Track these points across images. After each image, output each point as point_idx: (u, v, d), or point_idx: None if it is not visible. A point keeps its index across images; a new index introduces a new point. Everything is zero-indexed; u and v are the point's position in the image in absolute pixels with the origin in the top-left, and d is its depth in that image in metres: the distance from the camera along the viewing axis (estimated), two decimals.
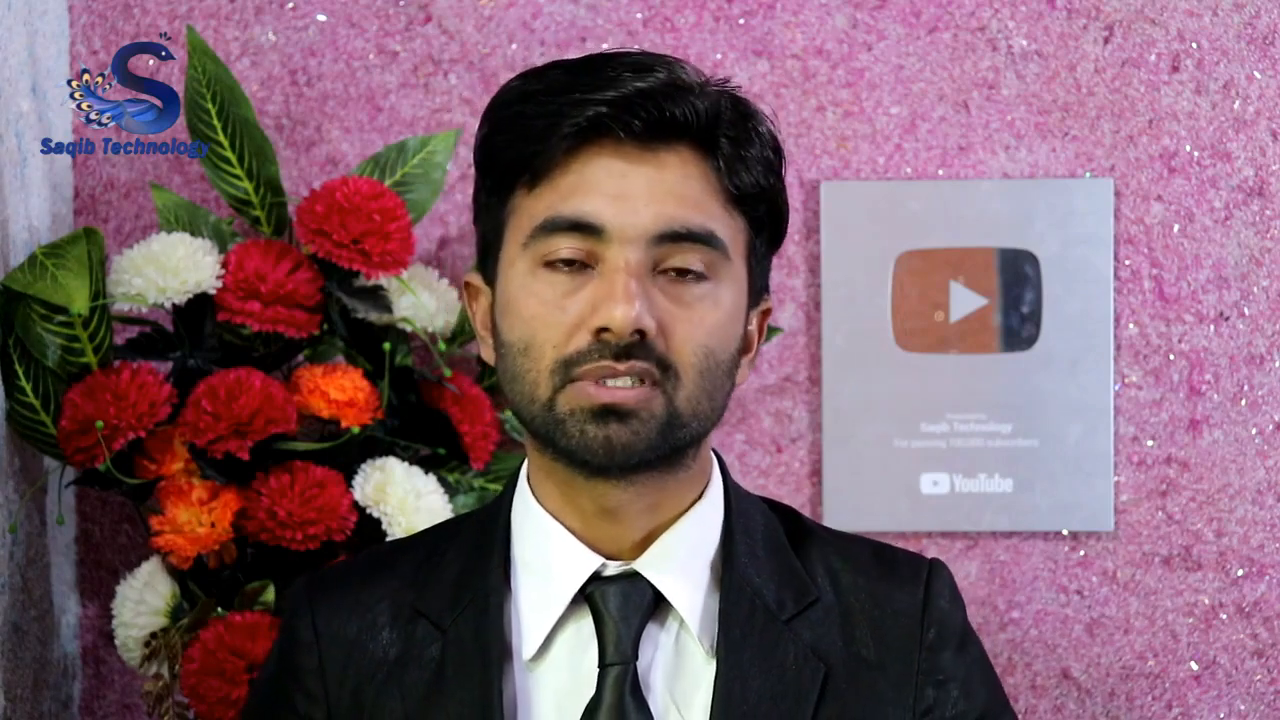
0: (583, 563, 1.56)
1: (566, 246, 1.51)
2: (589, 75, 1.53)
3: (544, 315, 1.51)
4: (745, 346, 1.60)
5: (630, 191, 1.51)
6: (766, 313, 1.63)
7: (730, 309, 1.55)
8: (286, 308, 2.02)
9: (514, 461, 2.16)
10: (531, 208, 1.53)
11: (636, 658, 1.55)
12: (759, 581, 1.58)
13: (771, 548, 1.61)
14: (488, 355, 1.60)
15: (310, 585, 1.65)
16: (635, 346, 1.49)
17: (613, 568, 1.57)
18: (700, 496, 1.60)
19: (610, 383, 1.50)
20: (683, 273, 1.52)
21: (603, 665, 1.55)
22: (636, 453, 1.51)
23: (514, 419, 2.16)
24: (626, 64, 1.53)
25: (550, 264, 1.52)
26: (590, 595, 1.56)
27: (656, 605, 1.56)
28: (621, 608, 1.55)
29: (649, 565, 1.56)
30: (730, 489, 1.63)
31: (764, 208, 1.57)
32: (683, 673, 1.56)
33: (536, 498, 1.59)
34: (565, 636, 1.57)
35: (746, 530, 1.61)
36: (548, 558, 1.58)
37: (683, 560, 1.57)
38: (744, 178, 1.54)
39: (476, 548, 1.61)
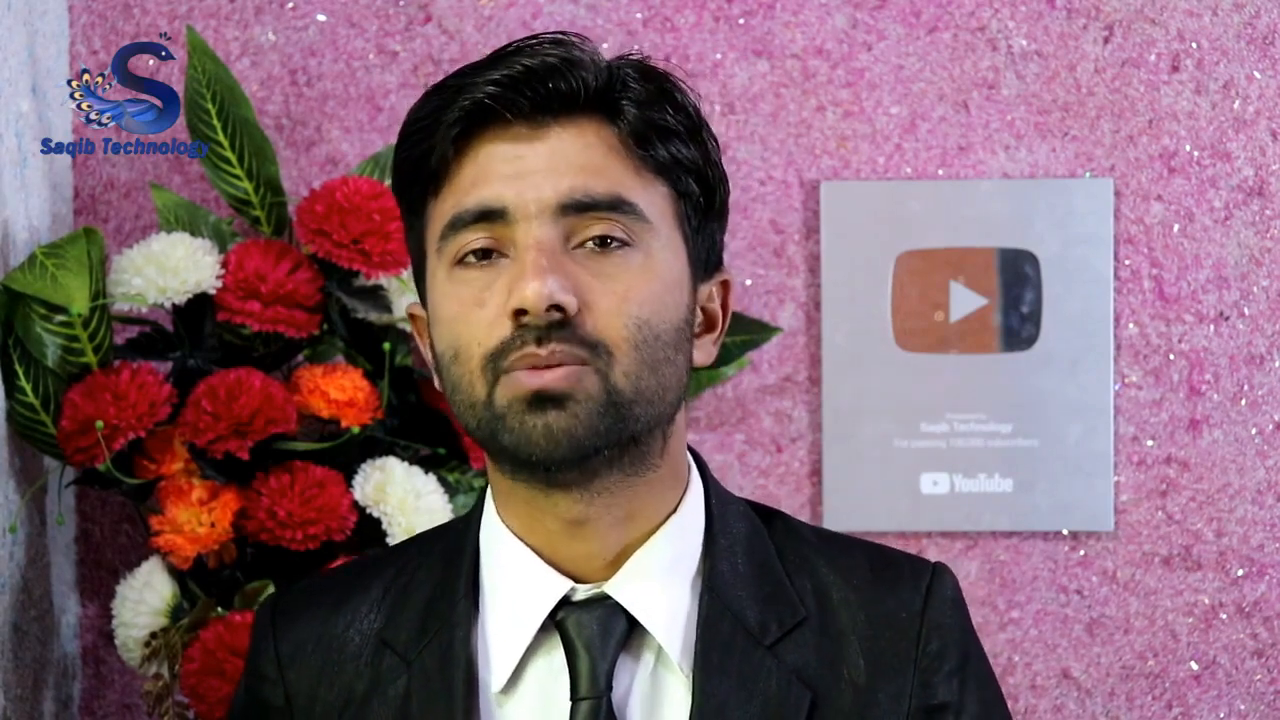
0: (550, 588, 1.47)
1: (475, 238, 1.45)
2: (484, 65, 1.48)
3: (464, 314, 1.44)
4: (708, 324, 1.52)
5: (527, 170, 1.44)
6: (726, 285, 1.54)
7: (666, 277, 1.45)
8: (286, 308, 2.02)
9: None
10: (439, 210, 1.47)
11: (610, 689, 1.45)
12: (741, 601, 1.48)
13: (756, 562, 1.51)
14: (439, 385, 1.50)
15: (275, 611, 1.58)
16: (555, 328, 1.40)
17: (582, 591, 1.47)
18: (677, 507, 1.50)
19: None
20: (604, 242, 1.44)
21: (575, 699, 1.45)
22: (580, 440, 1.41)
23: None
24: (526, 48, 1.47)
25: (463, 262, 1.45)
26: (561, 623, 1.47)
27: (631, 630, 1.47)
28: (593, 637, 1.46)
29: (622, 588, 1.47)
30: (712, 495, 1.53)
31: (688, 177, 1.48)
32: (661, 702, 1.48)
33: (501, 517, 1.51)
34: (536, 666, 1.48)
35: (729, 543, 1.51)
36: (515, 583, 1.49)
37: (658, 580, 1.48)
38: (656, 145, 1.46)
39: (445, 573, 1.53)
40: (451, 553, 1.54)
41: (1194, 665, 2.20)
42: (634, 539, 1.49)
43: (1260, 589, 2.20)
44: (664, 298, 1.45)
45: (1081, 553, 2.21)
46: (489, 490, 1.54)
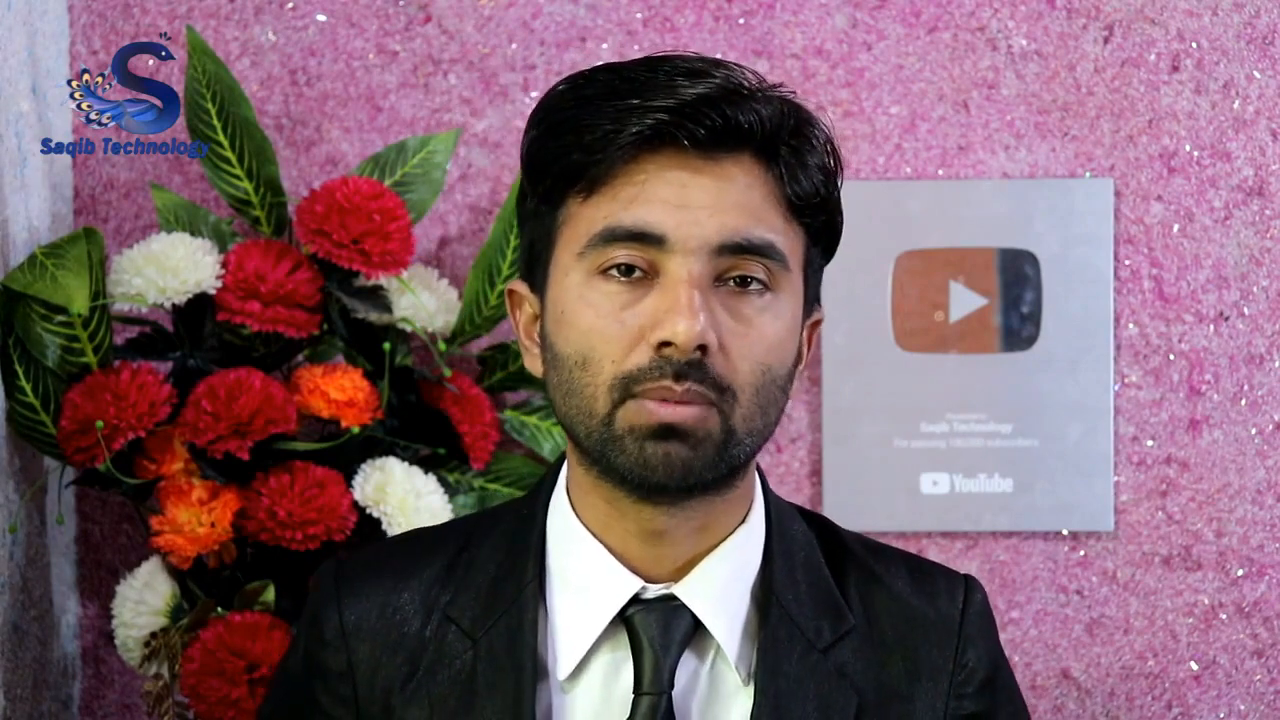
0: (623, 585, 1.53)
1: (624, 254, 1.47)
2: (643, 81, 1.48)
3: (601, 328, 1.47)
4: (796, 358, 1.55)
5: (692, 201, 1.46)
6: (816, 324, 1.58)
7: (789, 322, 1.51)
8: (286, 308, 2.02)
9: (514, 462, 2.16)
10: (588, 216, 1.48)
11: (673, 686, 1.51)
12: (797, 608, 1.55)
13: (810, 570, 1.58)
14: (531, 365, 1.55)
15: (338, 577, 1.60)
16: (694, 365, 1.45)
17: (652, 591, 1.53)
18: (745, 518, 1.56)
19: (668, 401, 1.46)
20: (743, 282, 1.48)
21: (638, 693, 1.51)
22: (695, 473, 1.47)
23: (514, 419, 2.16)
24: (679, 69, 1.48)
25: (606, 273, 1.47)
26: (629, 619, 1.53)
27: (693, 631, 1.53)
28: (660, 636, 1.52)
29: (690, 591, 1.53)
30: (771, 506, 1.59)
31: (822, 217, 1.53)
32: (717, 702, 1.54)
33: (576, 513, 1.55)
34: (601, 658, 1.54)
35: (787, 552, 1.57)
36: (587, 577, 1.54)
37: (723, 586, 1.54)
38: (804, 186, 1.50)
39: (510, 555, 1.57)
40: (516, 536, 1.58)
41: (1194, 665, 2.20)
42: (705, 547, 1.54)
43: (1260, 589, 2.20)
44: (786, 343, 1.51)
45: (1081, 553, 2.21)
46: (560, 482, 1.58)
